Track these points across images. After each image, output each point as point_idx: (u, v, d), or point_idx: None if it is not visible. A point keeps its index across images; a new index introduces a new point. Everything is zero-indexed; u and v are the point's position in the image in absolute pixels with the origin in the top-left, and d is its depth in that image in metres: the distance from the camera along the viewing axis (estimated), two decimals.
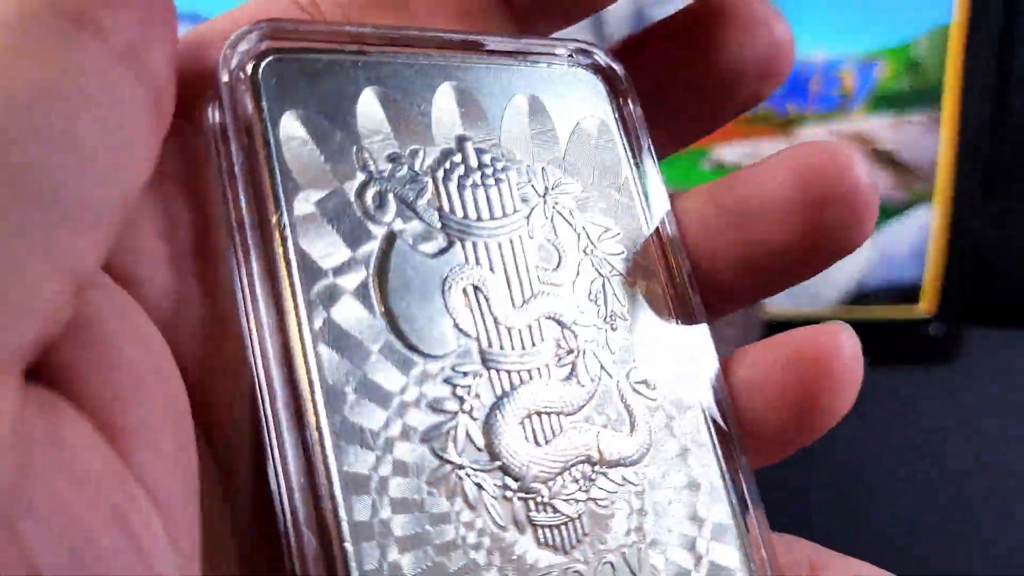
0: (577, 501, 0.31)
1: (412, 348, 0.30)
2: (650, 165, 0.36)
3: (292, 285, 0.29)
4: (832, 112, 0.93)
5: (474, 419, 0.30)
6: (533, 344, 0.32)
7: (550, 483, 0.31)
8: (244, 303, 0.29)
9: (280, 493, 0.27)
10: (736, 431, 0.34)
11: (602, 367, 0.33)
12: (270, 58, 0.31)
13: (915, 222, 0.96)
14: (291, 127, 0.30)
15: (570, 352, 0.32)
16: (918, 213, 0.95)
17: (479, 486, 0.29)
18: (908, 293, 0.98)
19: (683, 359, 0.34)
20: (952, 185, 0.94)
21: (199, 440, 0.28)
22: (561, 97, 0.35)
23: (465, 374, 0.31)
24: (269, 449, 0.28)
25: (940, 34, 0.92)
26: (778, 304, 0.94)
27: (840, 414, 0.33)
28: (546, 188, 0.34)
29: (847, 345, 0.33)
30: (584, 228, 0.34)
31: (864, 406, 0.81)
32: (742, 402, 0.34)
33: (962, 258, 0.96)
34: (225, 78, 0.30)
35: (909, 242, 0.96)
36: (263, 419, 0.28)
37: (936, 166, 0.94)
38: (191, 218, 0.30)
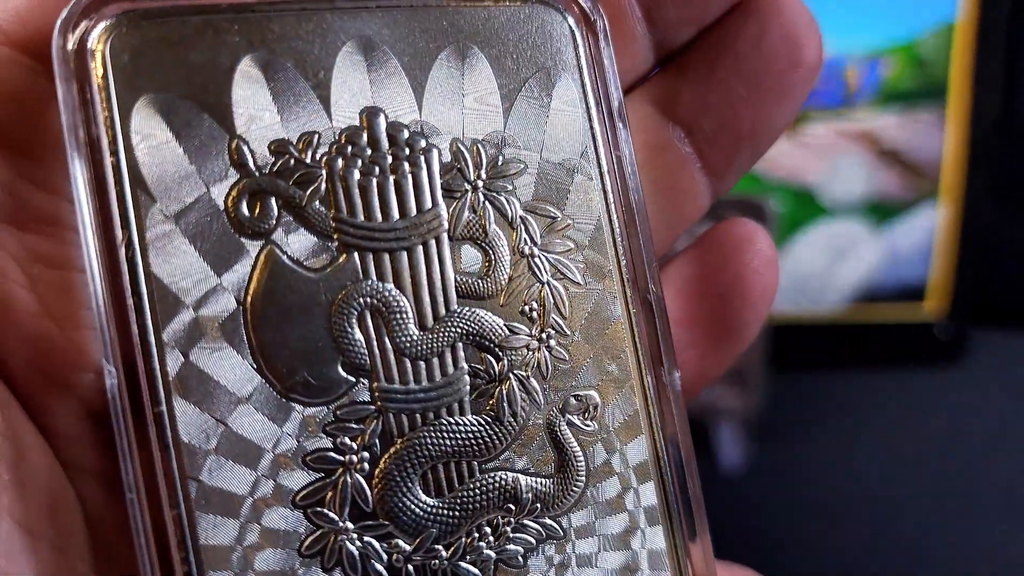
0: (484, 561, 0.28)
1: (289, 392, 0.26)
2: (620, 131, 0.30)
3: (142, 324, 0.25)
4: (837, 109, 0.92)
5: (362, 474, 0.27)
6: (444, 375, 0.28)
7: (453, 542, 0.27)
8: (97, 338, 0.25)
9: (142, 565, 0.25)
10: (690, 455, 0.30)
11: (530, 398, 0.29)
12: (122, 25, 0.25)
13: (922, 221, 0.94)
14: (146, 121, 0.25)
15: (491, 382, 0.28)
16: (924, 212, 0.94)
17: (364, 553, 0.26)
18: (915, 293, 0.96)
19: (635, 375, 0.30)
20: (960, 184, 0.93)
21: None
22: (506, 49, 0.29)
23: (355, 420, 0.27)
24: (131, 514, 0.25)
25: (946, 31, 0.90)
26: (783, 305, 0.92)
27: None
28: (478, 173, 0.29)
29: (759, 236, 0.32)
30: (525, 221, 0.29)
31: (870, 407, 0.80)
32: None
33: (970, 258, 0.94)
34: (61, 56, 0.25)
35: (916, 242, 0.95)
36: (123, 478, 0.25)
37: (943, 164, 0.93)
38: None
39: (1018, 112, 0.92)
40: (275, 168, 0.26)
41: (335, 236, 0.27)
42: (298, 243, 0.27)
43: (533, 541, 0.28)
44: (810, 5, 0.81)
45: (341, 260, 0.27)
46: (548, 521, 0.29)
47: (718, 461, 0.86)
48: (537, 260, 0.29)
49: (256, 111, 0.26)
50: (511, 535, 0.28)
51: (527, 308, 0.29)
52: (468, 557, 0.28)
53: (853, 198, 0.93)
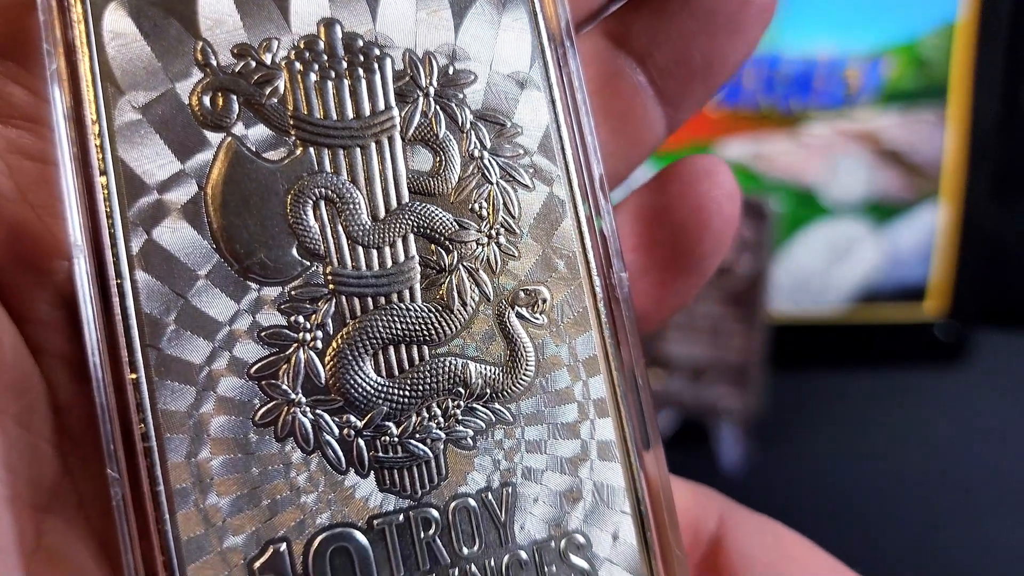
0: (434, 440, 0.29)
1: (247, 272, 0.28)
2: (569, 48, 0.32)
3: (110, 203, 0.27)
4: (837, 109, 0.92)
5: (315, 351, 0.28)
6: (395, 263, 0.29)
7: (403, 420, 0.29)
8: (66, 221, 0.27)
9: (103, 431, 0.26)
10: (639, 354, 0.32)
11: (479, 289, 0.30)
12: None
13: (922, 221, 0.94)
14: (117, 23, 0.27)
15: (440, 272, 0.30)
16: (925, 212, 0.94)
17: (316, 425, 0.28)
18: (915, 293, 0.96)
19: (584, 272, 0.31)
20: (960, 184, 0.93)
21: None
22: None
23: (309, 300, 0.28)
24: (92, 381, 0.26)
25: (947, 31, 0.91)
26: (783, 305, 0.93)
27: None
28: (429, 80, 0.30)
29: (720, 169, 0.33)
30: (475, 126, 0.30)
31: (870, 407, 0.80)
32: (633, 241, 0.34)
33: (970, 258, 0.94)
34: None
35: (916, 242, 0.95)
36: (87, 357, 0.26)
37: (943, 164, 0.93)
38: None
39: (1018, 112, 0.93)
40: (237, 69, 0.28)
41: (292, 132, 0.28)
42: (257, 137, 0.28)
43: (483, 425, 0.29)
44: (816, 5, 0.82)
45: (298, 153, 0.29)
46: (498, 407, 0.30)
47: (718, 461, 0.86)
48: (487, 163, 0.30)
49: (220, 16, 0.28)
50: (461, 418, 0.29)
51: (477, 206, 0.30)
52: (418, 436, 0.29)
53: (853, 198, 0.94)
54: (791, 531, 0.35)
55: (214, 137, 0.28)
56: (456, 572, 0.29)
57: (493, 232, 0.30)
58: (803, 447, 0.87)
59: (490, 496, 0.29)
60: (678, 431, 0.88)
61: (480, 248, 0.30)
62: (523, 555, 0.29)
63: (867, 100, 0.92)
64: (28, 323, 0.28)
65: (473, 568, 0.29)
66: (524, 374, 0.30)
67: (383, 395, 0.29)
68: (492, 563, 0.29)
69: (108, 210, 0.27)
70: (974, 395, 0.94)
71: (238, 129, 0.28)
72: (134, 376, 0.26)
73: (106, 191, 0.27)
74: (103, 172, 0.27)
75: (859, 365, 0.96)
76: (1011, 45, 0.90)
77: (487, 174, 0.30)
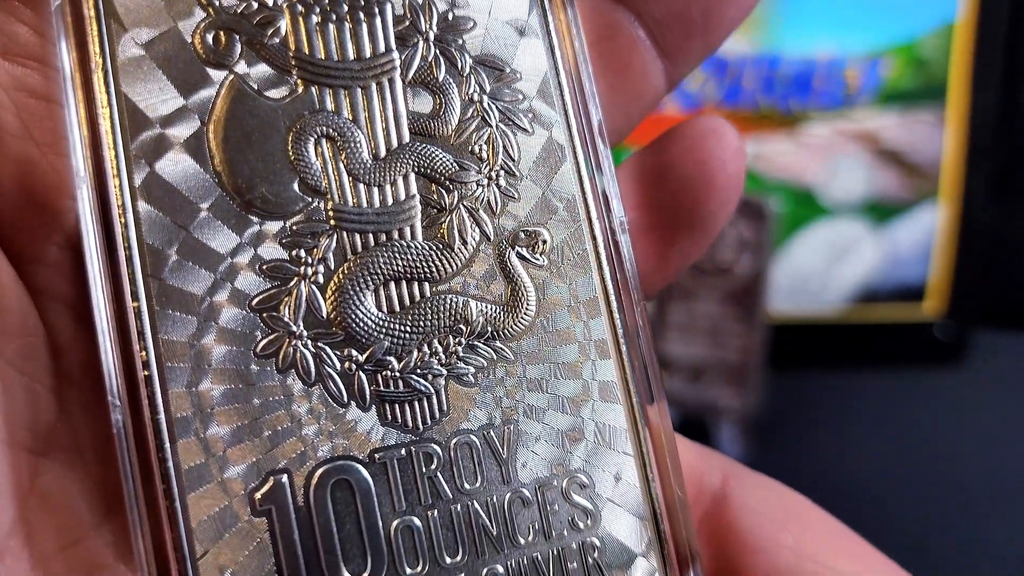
0: (435, 376, 0.29)
1: (249, 206, 0.28)
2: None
3: (113, 135, 0.27)
4: (837, 109, 0.93)
5: (317, 285, 0.28)
6: (396, 201, 0.29)
7: (404, 356, 0.29)
8: (70, 151, 0.27)
9: (103, 358, 0.26)
10: (639, 297, 0.32)
11: (480, 229, 0.30)
12: None
13: (921, 221, 0.94)
14: None
15: (441, 211, 0.30)
16: (924, 212, 0.94)
17: (318, 358, 0.28)
18: (915, 293, 0.96)
19: (583, 216, 0.32)
20: (960, 184, 0.93)
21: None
22: None
23: (310, 235, 0.28)
24: (94, 310, 0.27)
25: (946, 31, 0.91)
26: (783, 305, 0.93)
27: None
28: (429, 25, 0.30)
29: (726, 129, 0.33)
30: (475, 71, 0.31)
31: (870, 407, 0.80)
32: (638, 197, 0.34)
33: (970, 258, 0.94)
34: None
35: (915, 242, 0.95)
36: (88, 282, 0.27)
37: (943, 164, 0.93)
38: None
39: (1018, 112, 0.93)
40: (239, 10, 0.28)
41: (294, 72, 0.29)
42: (259, 75, 0.29)
43: (484, 363, 0.30)
44: (815, 5, 0.82)
45: (300, 92, 0.29)
46: (499, 345, 0.30)
47: None
48: (486, 106, 0.31)
49: None
50: (462, 355, 0.29)
51: (477, 149, 0.30)
52: (419, 371, 0.29)
53: (853, 198, 0.94)
54: (793, 491, 0.35)
55: (216, 75, 0.28)
56: (458, 508, 0.28)
57: (493, 174, 0.30)
58: (802, 447, 0.87)
59: (492, 433, 0.29)
60: (678, 430, 0.87)
61: (480, 189, 0.30)
62: (526, 493, 0.29)
63: (866, 100, 0.92)
64: (36, 264, 0.28)
65: (475, 504, 0.29)
66: (525, 313, 0.30)
67: (384, 329, 0.29)
68: (494, 499, 0.29)
69: (111, 143, 0.27)
70: (973, 395, 0.94)
71: (240, 68, 0.28)
72: (136, 304, 0.26)
73: (109, 124, 0.27)
74: (106, 106, 0.27)
75: (858, 365, 0.96)
76: (1010, 45, 0.90)
77: (487, 117, 0.31)
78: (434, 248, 0.30)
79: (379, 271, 0.29)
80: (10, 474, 0.27)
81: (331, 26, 0.29)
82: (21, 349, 0.27)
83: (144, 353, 0.26)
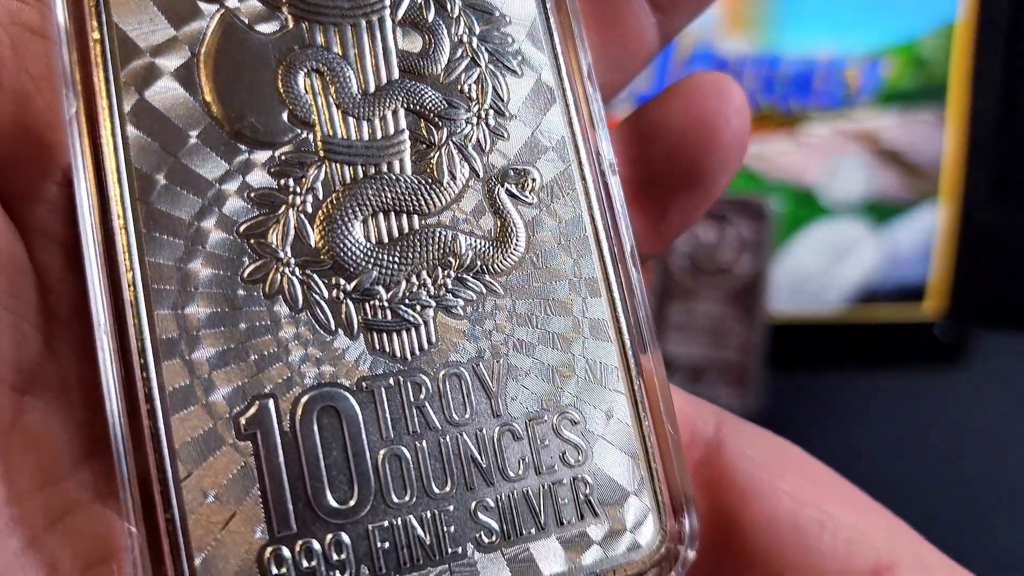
0: (424, 307, 0.29)
1: (238, 135, 0.28)
2: None
3: (103, 62, 0.27)
4: (837, 109, 0.93)
5: (305, 214, 0.28)
6: (385, 136, 0.30)
7: (392, 286, 0.29)
8: (61, 82, 0.27)
9: (90, 279, 0.27)
10: (630, 236, 0.32)
11: (470, 166, 0.30)
12: None
13: (921, 221, 0.94)
14: None
15: (430, 147, 0.30)
16: (924, 212, 0.94)
17: (306, 285, 0.28)
18: (915, 293, 0.96)
19: (573, 156, 0.32)
20: (960, 184, 0.93)
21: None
22: None
23: (299, 165, 0.29)
24: (80, 232, 0.27)
25: (946, 31, 0.91)
26: (783, 305, 0.93)
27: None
28: None
29: (730, 85, 0.32)
30: (464, 13, 0.31)
31: (869, 407, 0.80)
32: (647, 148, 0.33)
33: (970, 258, 0.94)
34: None
35: (915, 242, 0.95)
36: (77, 208, 0.27)
37: (943, 164, 0.93)
38: None
39: (1018, 112, 0.93)
40: None
41: (284, 8, 0.29)
42: (250, 10, 0.29)
43: (473, 296, 0.29)
44: (815, 5, 0.82)
45: (290, 27, 0.29)
46: (488, 279, 0.30)
47: None
48: (475, 47, 0.31)
49: None
50: (451, 287, 0.29)
51: (466, 88, 0.31)
52: (408, 302, 0.29)
53: (853, 198, 0.94)
54: (789, 441, 0.34)
55: (208, 7, 0.28)
56: (447, 439, 0.28)
57: (483, 113, 0.31)
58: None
59: (481, 366, 0.29)
60: None
61: (469, 127, 0.30)
62: (516, 427, 0.29)
63: (866, 100, 0.92)
64: (34, 202, 0.28)
65: (464, 436, 0.28)
66: (514, 249, 0.30)
67: (372, 259, 0.29)
68: (484, 432, 0.29)
69: (101, 70, 0.27)
70: (973, 395, 0.93)
71: (231, 2, 0.29)
72: (123, 226, 0.26)
73: (99, 50, 0.27)
74: (97, 34, 0.27)
75: (858, 365, 0.96)
76: (1010, 45, 0.91)
77: (476, 59, 0.31)
78: (423, 182, 0.30)
79: (368, 202, 0.29)
80: None
81: None
82: (6, 285, 0.27)
83: (130, 274, 0.26)
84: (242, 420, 0.27)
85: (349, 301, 0.28)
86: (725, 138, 0.32)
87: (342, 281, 0.28)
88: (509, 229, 0.30)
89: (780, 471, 0.33)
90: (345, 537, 0.27)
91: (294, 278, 0.28)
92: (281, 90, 0.29)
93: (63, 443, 0.28)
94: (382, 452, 0.28)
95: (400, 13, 0.30)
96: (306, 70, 0.29)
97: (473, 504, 0.28)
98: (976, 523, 0.81)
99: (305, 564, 0.27)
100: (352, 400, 0.28)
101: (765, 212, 0.86)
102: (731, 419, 0.34)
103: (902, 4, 0.91)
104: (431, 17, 0.30)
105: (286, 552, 0.27)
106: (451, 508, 0.28)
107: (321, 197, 0.29)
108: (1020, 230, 0.97)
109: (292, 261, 0.28)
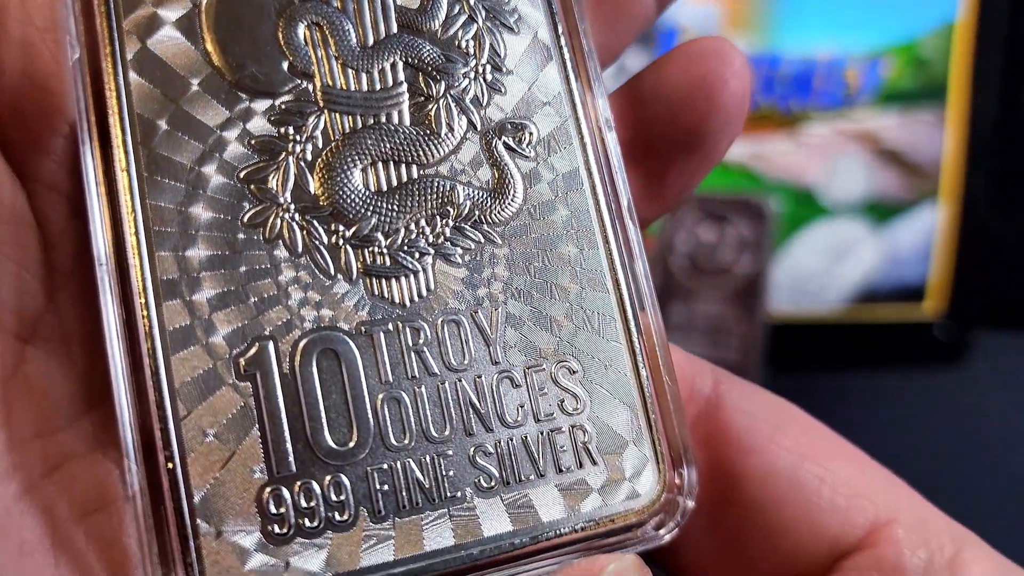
0: (422, 254, 0.29)
1: (238, 84, 0.29)
2: None
3: (107, 13, 0.28)
4: (837, 109, 0.93)
5: (305, 162, 0.29)
6: (383, 87, 0.30)
7: (391, 233, 0.29)
8: (66, 33, 0.28)
9: (92, 221, 0.27)
10: (626, 188, 0.32)
11: (468, 119, 0.31)
12: None
13: (921, 221, 0.94)
14: None
15: (427, 99, 0.30)
16: (924, 212, 0.94)
17: (306, 231, 0.28)
18: (915, 293, 0.96)
19: (569, 112, 0.32)
20: (960, 184, 0.93)
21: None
22: None
23: (299, 114, 0.29)
24: (83, 176, 0.27)
25: (946, 31, 0.91)
26: (783, 305, 0.93)
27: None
28: None
29: (730, 49, 0.33)
30: None
31: (869, 407, 0.80)
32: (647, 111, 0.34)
33: (970, 258, 0.94)
34: None
35: (915, 242, 0.95)
36: (80, 154, 0.27)
37: (943, 164, 0.93)
38: None
39: (1018, 112, 0.93)
40: None
41: None
42: None
43: (471, 244, 0.30)
44: (815, 5, 0.82)
45: None
46: (486, 229, 0.30)
47: None
48: (473, 5, 0.32)
49: None
50: (449, 236, 0.29)
51: (464, 44, 0.31)
52: (406, 249, 0.29)
53: (853, 198, 0.94)
54: (786, 400, 0.34)
55: None
56: (446, 385, 0.29)
57: (480, 68, 0.31)
58: None
59: (480, 314, 0.29)
60: None
61: (467, 82, 0.31)
62: (515, 374, 0.29)
63: (866, 100, 0.92)
64: (40, 154, 0.29)
65: (463, 382, 0.29)
66: (512, 200, 0.30)
67: (371, 207, 0.29)
68: (483, 379, 0.29)
69: (104, 19, 0.28)
70: (973, 395, 0.93)
71: None
72: (124, 167, 0.27)
73: (105, 4, 0.28)
74: None
75: (858, 365, 0.95)
76: (1010, 45, 0.91)
77: (473, 15, 0.31)
78: (421, 133, 0.30)
79: (367, 151, 0.29)
80: None
81: None
82: (9, 236, 0.27)
83: (132, 216, 0.27)
84: (242, 361, 0.27)
85: (348, 247, 0.28)
86: (724, 99, 0.32)
87: (341, 228, 0.29)
88: (507, 181, 0.30)
89: (779, 427, 0.33)
90: (344, 479, 0.27)
91: (294, 223, 0.28)
92: (281, 41, 0.29)
93: (63, 394, 0.28)
94: (381, 396, 0.28)
95: None
96: (306, 23, 0.30)
97: (472, 449, 0.28)
98: (976, 523, 0.80)
99: (304, 504, 0.27)
100: (351, 344, 0.28)
101: (765, 212, 0.86)
102: (729, 376, 0.34)
103: (902, 4, 0.91)
104: None
105: (285, 492, 0.27)
106: (450, 453, 0.28)
107: (321, 146, 0.29)
108: (1020, 230, 0.97)
109: (292, 207, 0.28)
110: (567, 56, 0.32)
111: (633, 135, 0.34)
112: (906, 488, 0.34)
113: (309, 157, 0.29)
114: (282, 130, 0.29)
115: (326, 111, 0.29)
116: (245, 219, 0.28)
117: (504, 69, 0.31)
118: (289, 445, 0.27)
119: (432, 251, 0.29)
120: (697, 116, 0.33)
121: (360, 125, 0.29)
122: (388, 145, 0.29)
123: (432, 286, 0.29)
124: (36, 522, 0.27)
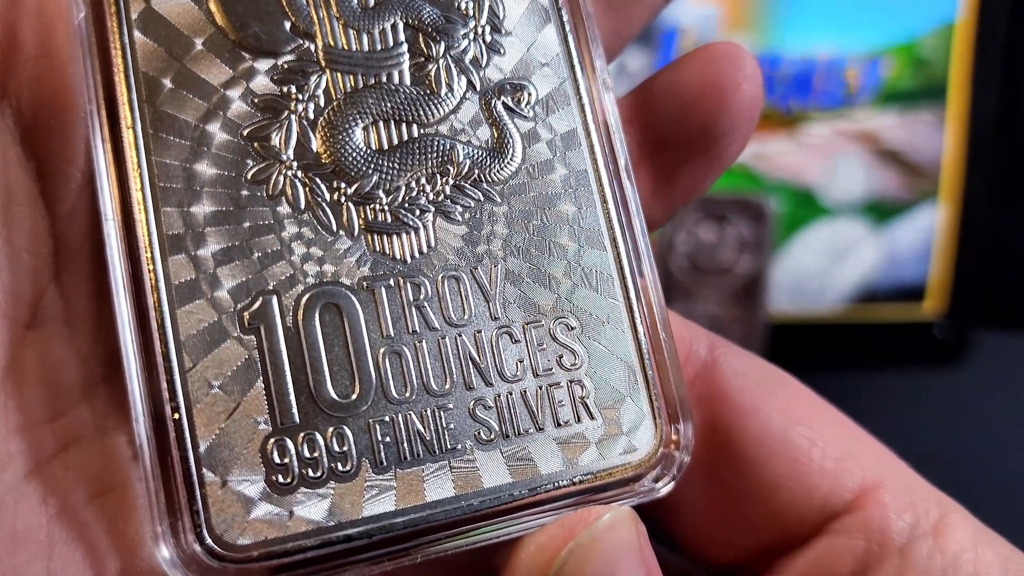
0: (423, 211, 0.30)
1: (240, 44, 0.29)
2: None
3: None
4: (837, 109, 0.93)
5: (307, 120, 0.29)
6: (384, 48, 0.31)
7: (392, 191, 0.30)
8: None
9: (98, 179, 0.27)
10: (624, 150, 0.32)
11: (467, 79, 0.31)
12: None
13: (921, 221, 0.95)
14: None
15: (428, 60, 0.31)
16: (924, 212, 0.94)
17: (308, 188, 0.29)
18: (914, 293, 0.96)
19: (568, 73, 0.32)
20: (960, 184, 0.93)
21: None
22: None
23: (301, 73, 0.29)
24: (89, 134, 0.28)
25: (946, 31, 0.92)
26: (783, 305, 0.93)
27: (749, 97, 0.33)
28: None
29: (743, 54, 0.33)
30: None
31: (869, 407, 0.80)
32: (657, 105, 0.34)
33: (970, 258, 0.94)
34: None
35: (915, 242, 0.95)
36: (86, 113, 0.28)
37: (943, 164, 0.93)
38: None
39: (1018, 112, 0.93)
40: None
41: None
42: None
43: (471, 202, 0.30)
44: (815, 5, 0.83)
45: None
46: (485, 187, 0.31)
47: None
48: None
49: None
50: (449, 193, 0.30)
51: (463, 6, 0.32)
52: (407, 206, 0.29)
53: (853, 198, 0.94)
54: (779, 368, 0.35)
55: None
56: (447, 340, 0.29)
57: (480, 29, 0.32)
58: None
59: (479, 270, 0.30)
60: None
61: (466, 42, 0.31)
62: (514, 330, 0.29)
63: (866, 100, 0.93)
64: (57, 131, 0.29)
65: (463, 337, 0.29)
66: (511, 159, 0.31)
67: (372, 164, 0.29)
68: (483, 334, 0.29)
69: None
70: (973, 395, 0.93)
71: None
72: (130, 124, 0.27)
73: None
74: None
75: (858, 365, 0.95)
76: (1010, 45, 0.91)
77: None
78: (421, 93, 0.31)
79: (368, 110, 0.30)
80: None
81: None
82: (15, 219, 0.28)
83: (138, 172, 0.27)
84: (246, 315, 0.27)
85: (350, 204, 0.29)
86: (736, 101, 0.33)
87: (343, 185, 0.29)
88: (506, 140, 0.31)
89: (772, 390, 0.33)
90: (347, 430, 0.28)
91: (296, 180, 0.29)
92: (283, 2, 0.30)
93: (70, 376, 0.29)
94: (382, 349, 0.28)
95: None
96: None
97: (472, 402, 0.29)
98: None
99: (307, 455, 0.27)
100: (353, 298, 0.28)
101: (765, 212, 0.86)
102: (725, 342, 0.35)
103: (902, 4, 0.92)
104: None
105: (289, 443, 0.27)
106: (450, 406, 0.29)
107: (323, 104, 0.29)
108: (1020, 230, 0.97)
109: (295, 164, 0.29)
110: (565, 18, 0.32)
111: (644, 134, 0.34)
112: (892, 456, 0.34)
113: (311, 116, 0.29)
114: (284, 89, 0.29)
115: (328, 71, 0.30)
116: (249, 176, 0.28)
117: (503, 30, 0.32)
118: (292, 397, 0.27)
119: (432, 208, 0.30)
120: (708, 116, 0.33)
121: (361, 85, 0.30)
122: (389, 104, 0.30)
123: (432, 243, 0.30)
124: (35, 509, 0.27)
